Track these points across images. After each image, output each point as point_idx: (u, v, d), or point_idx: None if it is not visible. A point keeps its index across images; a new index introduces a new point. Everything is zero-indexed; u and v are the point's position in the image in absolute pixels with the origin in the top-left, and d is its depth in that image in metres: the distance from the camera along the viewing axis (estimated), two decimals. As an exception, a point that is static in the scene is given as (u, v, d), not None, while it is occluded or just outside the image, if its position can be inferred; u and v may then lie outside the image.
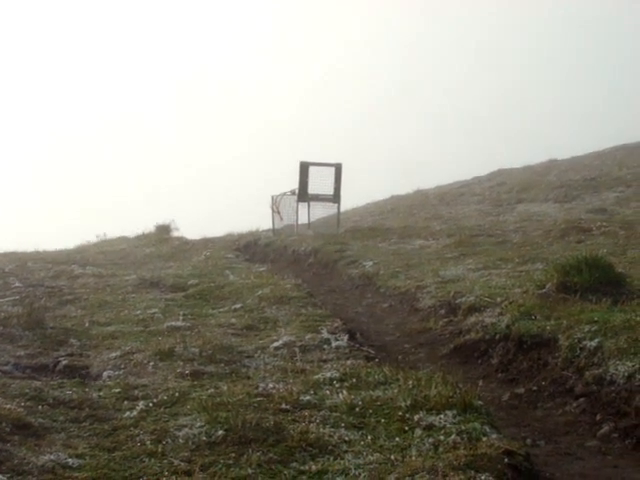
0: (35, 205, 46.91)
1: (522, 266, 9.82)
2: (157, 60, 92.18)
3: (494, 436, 4.20)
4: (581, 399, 5.46)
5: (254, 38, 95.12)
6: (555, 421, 5.37)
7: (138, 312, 8.43)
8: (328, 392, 5.10)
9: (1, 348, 6.60)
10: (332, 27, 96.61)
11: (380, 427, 4.46)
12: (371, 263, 11.81)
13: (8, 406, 4.68)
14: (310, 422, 4.52)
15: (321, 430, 4.39)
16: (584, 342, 5.87)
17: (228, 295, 9.44)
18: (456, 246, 12.74)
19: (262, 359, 6.29)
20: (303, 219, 18.72)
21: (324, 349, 6.53)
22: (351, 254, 13.03)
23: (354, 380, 5.32)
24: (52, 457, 4.02)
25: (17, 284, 10.38)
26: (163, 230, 19.62)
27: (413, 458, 3.95)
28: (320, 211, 19.19)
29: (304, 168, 18.22)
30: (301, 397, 4.97)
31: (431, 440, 4.17)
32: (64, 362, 6.27)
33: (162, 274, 11.40)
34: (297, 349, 6.46)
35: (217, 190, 50.65)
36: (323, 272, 12.93)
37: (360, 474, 3.82)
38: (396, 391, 4.98)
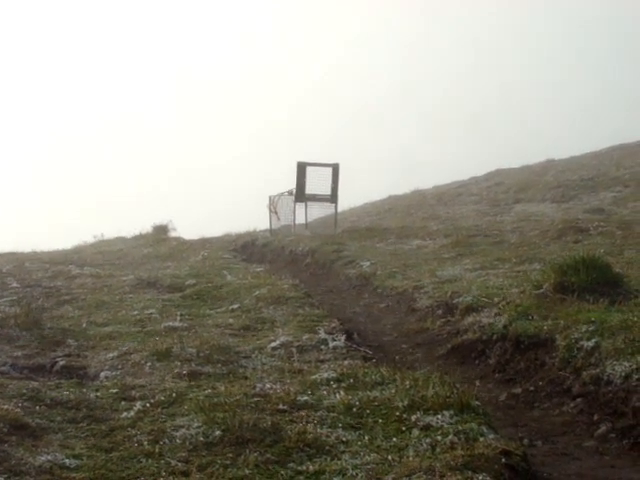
0: (33, 205, 46.88)
1: (519, 266, 9.83)
2: (156, 60, 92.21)
3: (491, 436, 4.20)
4: (578, 399, 5.47)
5: (254, 38, 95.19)
6: (552, 421, 5.37)
7: (135, 312, 8.43)
8: (325, 392, 5.10)
9: (-2, 348, 6.60)
10: (332, 27, 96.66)
11: (377, 427, 4.46)
12: (368, 263, 11.82)
13: (5, 406, 4.68)
14: (307, 422, 4.52)
15: (318, 430, 4.39)
16: (581, 342, 5.87)
17: (225, 295, 9.44)
18: (453, 246, 12.75)
19: (259, 359, 6.29)
20: (300, 219, 18.76)
21: (321, 349, 6.53)
22: (348, 254, 13.03)
23: (351, 380, 5.32)
24: (49, 457, 4.02)
25: (14, 284, 10.37)
26: (160, 230, 19.62)
27: (410, 458, 3.96)
28: (317, 211, 19.21)
29: (301, 168, 18.23)
30: (298, 397, 4.97)
31: (428, 440, 4.17)
32: (61, 362, 6.26)
33: (159, 274, 11.40)
34: (294, 349, 6.47)
35: (215, 190, 50.68)
36: (320, 272, 12.93)
37: (357, 474, 3.82)
38: (393, 391, 4.98)
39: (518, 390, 6.00)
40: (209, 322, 7.82)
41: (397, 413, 4.59)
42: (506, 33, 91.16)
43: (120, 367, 6.12)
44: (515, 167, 28.22)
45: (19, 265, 12.73)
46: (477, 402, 4.74)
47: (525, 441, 4.94)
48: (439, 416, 4.46)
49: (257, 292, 9.31)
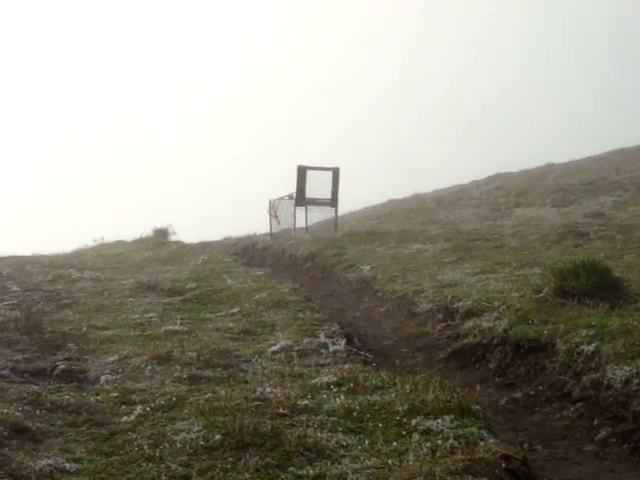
0: (33, 209, 46.84)
1: (519, 270, 9.83)
2: (155, 62, 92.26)
3: (491, 441, 4.20)
4: (578, 404, 5.47)
5: (254, 39, 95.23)
6: (552, 426, 5.37)
7: (136, 316, 8.43)
8: (326, 396, 5.10)
9: (-1, 352, 6.60)
10: (332, 27, 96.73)
11: (378, 432, 4.46)
12: (368, 267, 11.82)
13: (6, 410, 4.68)
14: (308, 427, 4.52)
15: (319, 435, 4.39)
16: (581, 346, 5.87)
17: (226, 299, 9.44)
18: (453, 250, 12.75)
19: (260, 363, 6.29)
20: (301, 223, 18.77)
21: (322, 353, 6.53)
22: (349, 258, 13.03)
23: (352, 384, 5.32)
24: (50, 461, 4.02)
25: (15, 288, 10.37)
26: (161, 234, 19.63)
27: (411, 463, 3.96)
28: (318, 215, 19.22)
29: (302, 172, 18.24)
30: (299, 401, 4.97)
31: (429, 445, 4.17)
32: (62, 366, 6.26)
33: (160, 278, 11.39)
34: (294, 353, 6.47)
35: (215, 194, 50.62)
36: (321, 276, 12.94)
37: (358, 479, 3.82)
38: (393, 395, 4.98)
39: (518, 394, 6.00)
40: (209, 326, 7.81)
41: (397, 417, 4.59)
42: (506, 33, 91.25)
43: (120, 371, 6.12)
44: (515, 171, 28.21)
45: (19, 268, 12.73)
46: (477, 406, 4.74)
47: (525, 445, 4.93)
48: (439, 420, 4.47)
49: (257, 296, 9.30)
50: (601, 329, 5.99)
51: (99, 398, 5.31)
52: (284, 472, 3.97)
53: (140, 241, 19.18)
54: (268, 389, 5.29)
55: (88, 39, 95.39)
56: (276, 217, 19.23)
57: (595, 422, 5.20)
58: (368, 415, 4.70)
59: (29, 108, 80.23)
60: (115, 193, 52.12)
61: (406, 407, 4.69)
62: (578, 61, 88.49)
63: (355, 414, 4.73)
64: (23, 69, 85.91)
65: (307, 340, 6.89)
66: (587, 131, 63.27)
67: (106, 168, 61.01)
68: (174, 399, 5.13)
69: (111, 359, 6.47)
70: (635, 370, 5.21)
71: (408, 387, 5.08)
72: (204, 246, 17.90)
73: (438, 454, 4.05)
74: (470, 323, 7.51)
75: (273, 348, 6.67)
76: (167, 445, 4.29)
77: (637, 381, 5.13)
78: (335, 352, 6.56)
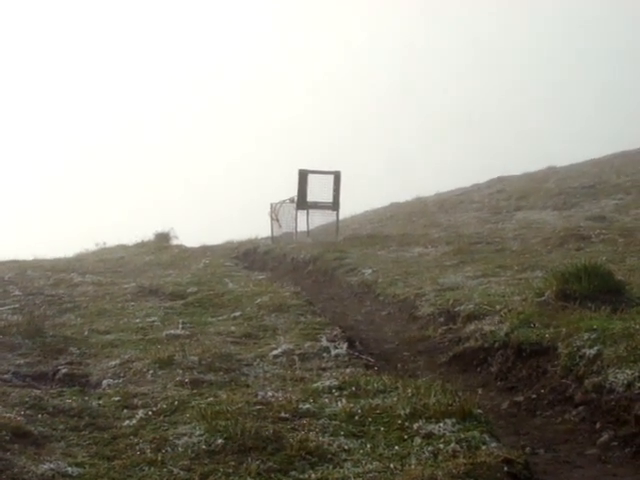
0: (34, 213, 46.91)
1: (521, 274, 9.82)
2: (156, 67, 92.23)
3: (493, 444, 4.20)
4: (580, 407, 5.46)
5: (253, 42, 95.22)
6: (554, 429, 5.36)
7: (137, 320, 8.44)
8: (327, 400, 5.10)
9: (1, 356, 6.60)
10: (332, 27, 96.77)
11: (379, 435, 4.46)
12: (370, 271, 11.82)
13: (8, 415, 4.69)
14: (309, 431, 4.52)
15: (320, 439, 4.39)
16: (583, 350, 5.87)
17: (227, 303, 9.44)
18: (455, 254, 12.75)
19: (261, 367, 6.29)
20: (302, 227, 18.78)
21: (323, 357, 6.53)
22: (350, 262, 13.03)
23: (353, 388, 5.32)
24: (52, 466, 4.02)
25: (17, 292, 10.38)
26: (162, 238, 19.67)
27: (412, 467, 3.96)
28: (319, 219, 19.23)
29: (303, 176, 18.26)
30: (300, 405, 4.97)
31: (430, 449, 4.17)
32: (64, 370, 6.26)
33: (161, 282, 11.40)
34: (296, 357, 6.47)
35: (216, 198, 50.69)
36: (322, 280, 12.94)
37: (360, 483, 3.82)
38: (395, 399, 4.98)
39: (520, 398, 6.00)
40: (211, 330, 7.82)
41: (399, 421, 4.59)
42: (506, 33, 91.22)
43: (122, 375, 6.12)
44: (516, 174, 28.23)
45: (21, 273, 12.74)
46: (479, 410, 4.74)
47: (527, 449, 4.93)
48: (441, 424, 4.46)
49: (259, 300, 9.31)
50: (603, 333, 5.98)
51: (101, 402, 5.31)
52: (286, 476, 3.97)
53: (141, 245, 19.21)
54: (270, 393, 5.29)
55: (89, 47, 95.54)
56: (277, 221, 19.24)
57: (597, 426, 5.19)
58: (370, 419, 4.70)
59: (33, 116, 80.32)
60: (116, 197, 52.20)
61: (408, 411, 4.69)
62: (579, 61, 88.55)
63: (357, 418, 4.73)
64: (28, 75, 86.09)
65: (309, 344, 6.89)
66: (588, 131, 63.34)
67: (107, 172, 61.16)
68: (176, 403, 5.13)
69: (113, 363, 6.47)
70: (637, 374, 5.21)
71: (410, 391, 5.08)
72: (205, 250, 17.93)
73: (440, 458, 4.05)
74: (472, 327, 7.51)
75: (275, 352, 6.67)
76: (169, 449, 4.29)
77: (639, 384, 5.12)
78: (337, 356, 6.56)
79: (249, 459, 4.12)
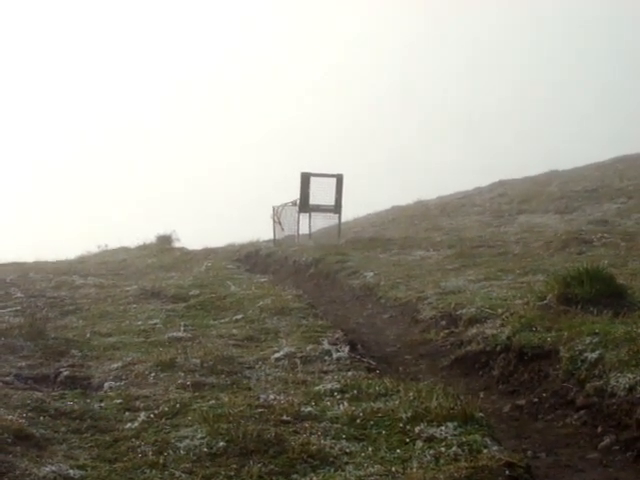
0: (36, 215, 46.93)
1: (523, 277, 9.82)
2: (156, 69, 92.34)
3: (495, 448, 4.20)
4: (582, 411, 5.46)
5: (254, 41, 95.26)
6: (556, 433, 5.36)
7: (139, 323, 8.44)
8: (329, 403, 5.10)
9: (2, 359, 6.61)
10: (332, 28, 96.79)
11: (381, 439, 4.46)
12: (372, 274, 11.82)
13: (10, 417, 4.69)
14: (311, 434, 4.52)
15: (322, 442, 4.39)
16: (585, 354, 5.87)
17: (229, 306, 9.44)
18: (457, 257, 12.76)
19: (263, 370, 6.29)
20: (304, 230, 18.81)
21: (325, 360, 6.53)
22: (352, 265, 13.04)
23: (355, 391, 5.32)
24: (54, 468, 4.02)
25: (18, 294, 10.39)
26: (164, 240, 19.70)
27: (414, 470, 3.96)
28: (321, 222, 19.28)
29: (305, 179, 18.29)
30: (302, 408, 4.97)
31: (432, 452, 4.17)
32: (65, 373, 6.27)
33: (163, 284, 11.41)
34: (298, 360, 6.47)
35: (218, 200, 50.68)
36: (324, 283, 12.94)
37: (361, 486, 3.82)
38: (397, 403, 4.98)
39: (522, 402, 5.99)
40: (213, 332, 7.82)
41: (401, 424, 4.59)
42: (506, 34, 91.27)
43: (124, 377, 6.12)
44: (518, 178, 28.25)
45: (23, 275, 12.76)
46: (481, 414, 4.73)
47: (529, 453, 4.93)
48: (443, 428, 4.46)
49: (261, 302, 9.31)
50: (605, 336, 5.98)
51: (103, 405, 5.32)
52: (288, 479, 3.97)
53: (143, 247, 19.24)
54: (272, 396, 5.29)
55: (86, 47, 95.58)
56: (280, 223, 19.27)
57: (599, 430, 5.19)
58: (371, 422, 4.70)
59: (34, 117, 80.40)
60: (118, 200, 52.20)
61: (409, 414, 4.69)
62: (580, 62, 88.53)
63: (358, 421, 4.73)
64: (24, 72, 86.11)
65: (311, 347, 6.89)
66: (589, 132, 63.34)
67: (109, 176, 61.18)
68: (178, 406, 5.14)
69: (115, 366, 6.48)
70: (639, 378, 5.20)
71: (411, 394, 5.08)
72: (207, 252, 17.95)
73: (441, 461, 4.05)
74: (473, 330, 7.51)
75: (277, 355, 6.67)
76: (171, 452, 4.29)
77: (641, 389, 5.12)
78: (338, 359, 6.56)
79: (251, 462, 4.12)
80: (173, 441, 4.44)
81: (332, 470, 4.05)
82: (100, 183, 60.19)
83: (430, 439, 4.35)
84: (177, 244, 19.82)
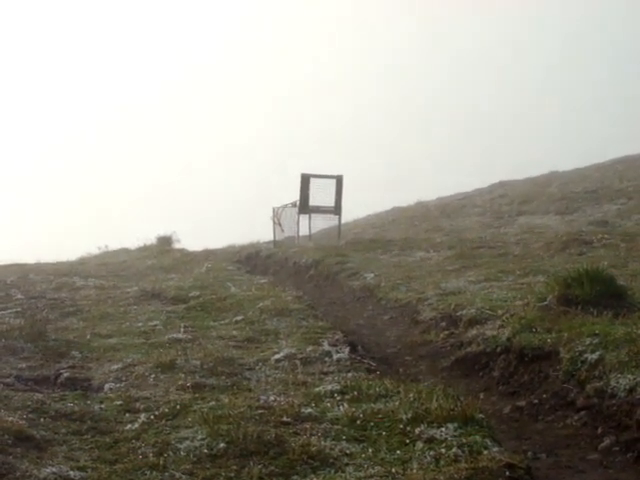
0: (36, 217, 46.96)
1: (523, 278, 9.82)
2: (155, 69, 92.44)
3: (495, 449, 4.20)
4: (582, 412, 5.46)
5: (254, 41, 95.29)
6: (556, 434, 5.36)
7: (139, 324, 8.45)
8: (329, 405, 5.11)
9: (3, 360, 6.61)
10: (332, 28, 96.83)
11: (381, 440, 4.46)
12: (372, 275, 11.82)
13: (10, 418, 4.69)
14: (311, 435, 4.53)
15: (322, 443, 4.39)
16: (585, 355, 5.87)
17: (229, 307, 9.44)
18: (457, 258, 12.75)
19: (263, 371, 6.29)
20: (304, 231, 18.81)
21: (325, 361, 6.53)
22: (352, 266, 13.04)
23: (355, 393, 5.32)
24: (54, 470, 4.02)
25: (19, 296, 10.39)
26: (164, 242, 19.72)
27: (414, 471, 3.96)
28: (321, 223, 19.29)
29: (305, 180, 18.30)
30: (302, 410, 4.97)
31: (432, 453, 4.17)
32: (66, 374, 6.26)
33: (163, 286, 11.41)
34: (298, 361, 6.47)
35: (218, 202, 50.71)
36: (324, 284, 12.94)
37: (361, 487, 3.82)
38: (397, 404, 4.98)
39: (522, 403, 5.99)
40: (213, 334, 7.82)
41: (401, 425, 4.59)
42: (508, 32, 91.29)
43: (124, 379, 6.12)
44: (519, 179, 28.26)
45: (23, 276, 12.76)
46: (481, 415, 4.73)
47: (529, 454, 4.93)
48: (443, 429, 4.46)
49: (261, 304, 9.31)
50: (605, 337, 5.98)
51: (103, 406, 5.32)
52: (288, 480, 3.98)
53: (144, 249, 19.26)
54: (272, 397, 5.29)
55: (82, 47, 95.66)
56: (280, 225, 19.28)
57: (599, 431, 5.19)
58: (372, 423, 4.70)
59: (30, 118, 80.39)
60: (118, 201, 52.23)
61: (410, 415, 4.69)
62: (580, 62, 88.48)
63: (359, 422, 4.73)
64: (23, 71, 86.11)
65: (311, 348, 6.89)
66: (589, 133, 63.34)
67: (109, 178, 61.19)
68: (178, 407, 5.14)
69: (115, 367, 6.48)
70: (639, 379, 5.20)
71: (412, 395, 5.08)
72: (208, 254, 17.96)
73: (442, 462, 4.05)
74: (474, 331, 7.51)
75: (277, 356, 6.67)
76: (171, 453, 4.30)
77: (641, 389, 5.12)
78: (339, 360, 6.56)
79: (251, 463, 4.12)
80: (173, 442, 4.44)
81: (332, 471, 4.05)
82: (102, 185, 60.20)
83: (430, 440, 4.35)
84: (177, 245, 19.86)
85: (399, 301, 9.83)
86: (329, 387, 5.50)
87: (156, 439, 4.53)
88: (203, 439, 4.43)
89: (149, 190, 61.06)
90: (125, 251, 19.36)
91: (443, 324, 8.36)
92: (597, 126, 69.00)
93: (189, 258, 16.77)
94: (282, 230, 19.30)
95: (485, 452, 4.12)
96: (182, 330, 7.94)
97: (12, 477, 3.88)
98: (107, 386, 5.96)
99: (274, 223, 19.40)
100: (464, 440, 4.29)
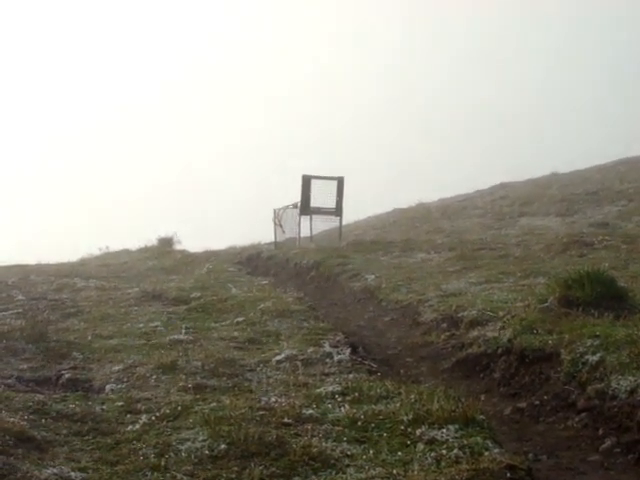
0: (37, 217, 46.97)
1: (524, 280, 9.82)
2: (155, 69, 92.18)
3: (496, 450, 4.21)
4: (583, 414, 5.46)
5: (254, 40, 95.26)
6: (557, 435, 5.36)
7: (140, 325, 8.45)
8: (330, 406, 5.11)
9: (4, 361, 6.62)
10: (332, 28, 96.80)
11: (382, 441, 4.47)
12: (373, 276, 11.82)
13: (11, 419, 4.70)
14: (312, 436, 4.53)
15: (323, 444, 4.40)
16: (586, 356, 5.87)
17: (230, 308, 9.45)
18: (458, 260, 12.75)
19: (264, 373, 6.29)
20: (305, 232, 18.80)
21: (326, 363, 6.53)
22: (353, 267, 13.04)
23: (356, 394, 5.32)
24: (55, 471, 4.02)
25: (20, 297, 10.40)
26: (165, 243, 19.73)
27: (415, 472, 3.96)
28: (322, 224, 19.26)
29: (306, 181, 18.30)
30: (303, 411, 4.98)
31: (433, 454, 4.18)
32: (67, 375, 6.27)
33: (164, 287, 11.42)
34: (299, 363, 6.47)
35: (219, 203, 50.71)
36: (325, 285, 12.94)
37: (362, 488, 3.82)
38: (398, 405, 4.98)
39: (523, 404, 5.99)
40: (214, 335, 7.83)
41: (402, 427, 4.59)
42: (507, 34, 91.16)
43: (125, 380, 6.13)
44: (520, 180, 28.25)
45: (24, 277, 12.78)
46: (482, 416, 4.74)
47: (530, 455, 4.93)
48: (444, 430, 4.47)
49: (262, 305, 9.32)
50: (606, 339, 5.98)
51: (104, 407, 5.32)
52: (289, 481, 3.98)
53: (145, 250, 19.26)
54: (273, 398, 5.30)
55: (82, 47, 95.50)
56: (281, 226, 19.28)
57: (600, 432, 5.19)
58: (373, 424, 4.71)
59: (30, 119, 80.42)
60: (120, 202, 52.23)
61: (411, 417, 4.70)
62: (580, 62, 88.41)
63: (360, 423, 4.74)
64: (22, 70, 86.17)
65: (312, 349, 6.90)
66: (590, 134, 63.41)
67: (110, 179, 61.22)
68: (179, 408, 5.14)
69: (116, 368, 6.49)
70: (640, 380, 5.21)
71: (413, 397, 5.09)
72: (209, 255, 17.96)
73: (443, 464, 4.05)
74: (475, 332, 7.51)
75: (278, 357, 6.68)
76: (172, 454, 4.30)
77: (642, 391, 5.12)
78: (340, 361, 6.56)
79: (252, 464, 4.12)
80: (174, 444, 4.44)
81: (333, 473, 4.06)
82: (103, 186, 60.20)
83: (431, 442, 4.36)
84: (178, 246, 19.85)
85: (400, 302, 9.83)
86: (330, 388, 5.50)
87: (157, 440, 4.53)
88: (204, 440, 4.43)
89: (149, 190, 60.99)
90: (126, 252, 19.37)
91: (444, 325, 8.36)
92: (597, 126, 69.00)
93: (190, 259, 16.78)
94: (283, 231, 19.30)
95: (486, 453, 4.13)
96: (183, 331, 7.94)
97: (13, 478, 3.88)
98: (108, 387, 5.96)
99: (275, 224, 19.40)
100: (465, 441, 4.30)
